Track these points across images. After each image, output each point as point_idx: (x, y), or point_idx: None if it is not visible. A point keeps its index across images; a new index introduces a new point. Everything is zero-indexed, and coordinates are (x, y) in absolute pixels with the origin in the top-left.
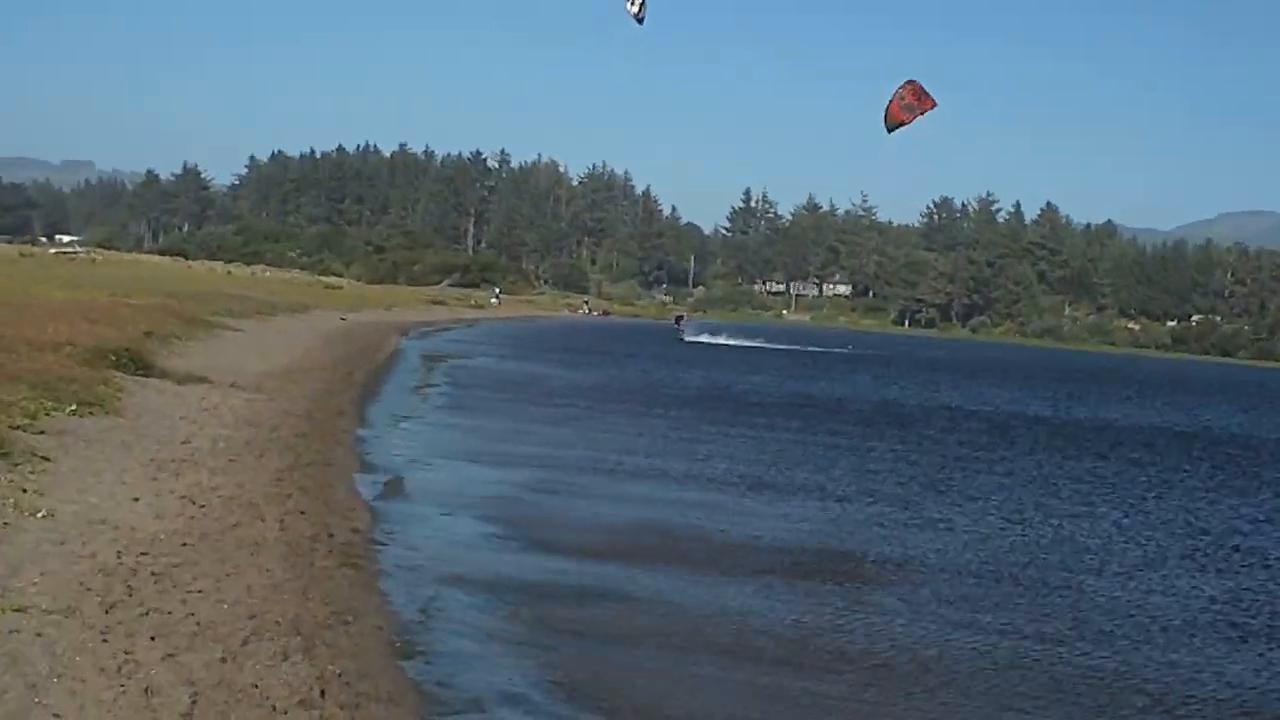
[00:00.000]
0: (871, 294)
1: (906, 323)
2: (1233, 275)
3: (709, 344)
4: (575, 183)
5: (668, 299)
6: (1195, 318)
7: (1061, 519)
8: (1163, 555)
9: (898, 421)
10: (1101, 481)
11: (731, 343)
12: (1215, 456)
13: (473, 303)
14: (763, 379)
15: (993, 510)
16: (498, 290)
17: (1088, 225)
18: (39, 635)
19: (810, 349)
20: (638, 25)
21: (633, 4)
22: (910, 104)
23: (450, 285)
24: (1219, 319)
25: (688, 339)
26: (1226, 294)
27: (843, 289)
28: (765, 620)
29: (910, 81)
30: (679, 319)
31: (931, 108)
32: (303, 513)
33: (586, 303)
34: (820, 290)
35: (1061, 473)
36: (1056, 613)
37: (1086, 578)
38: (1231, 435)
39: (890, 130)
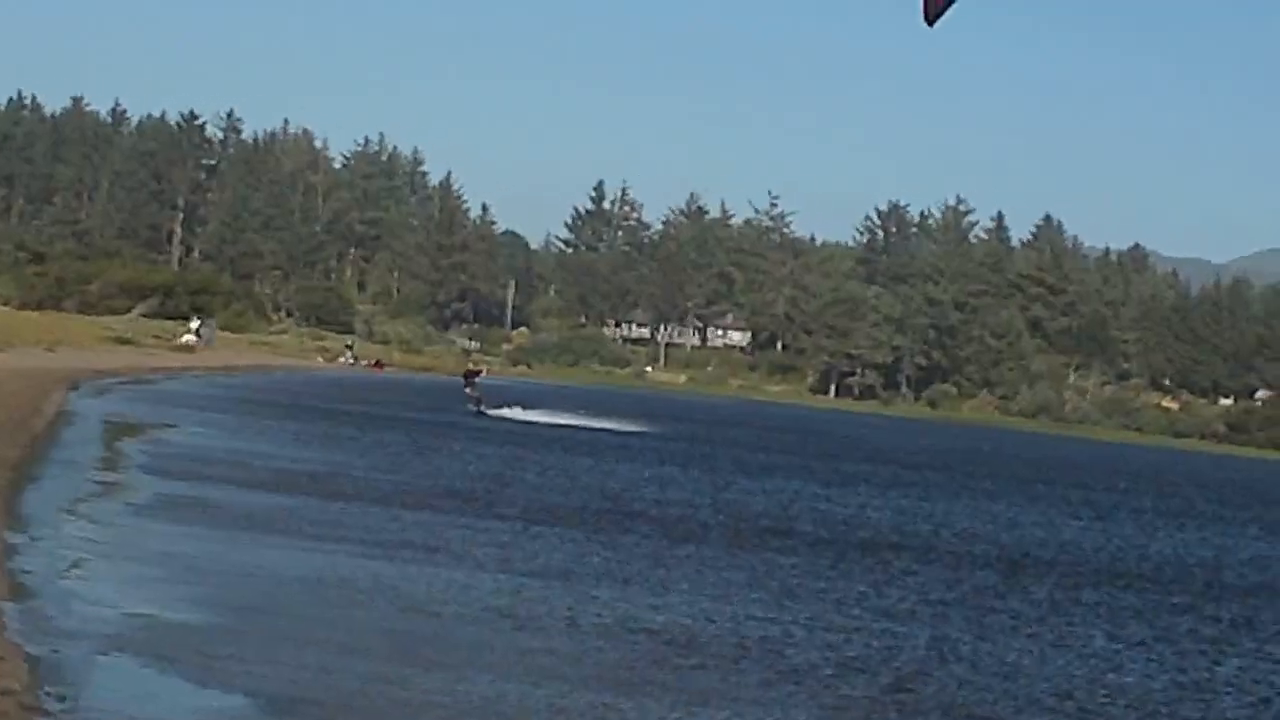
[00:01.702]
0: (781, 346)
1: (833, 391)
2: None
3: (522, 422)
4: (338, 164)
5: (473, 345)
6: (1262, 394)
7: None
8: None
9: None
10: None
11: (563, 421)
12: None
13: (179, 342)
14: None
15: None
16: (197, 325)
17: (1106, 252)
18: None
19: (680, 438)
20: None
21: None
22: None
23: (145, 315)
24: None
25: (488, 411)
26: None
27: (738, 336)
28: None
29: None
30: (470, 376)
31: None
32: None
33: (350, 347)
34: (704, 338)
35: None
36: None
37: None
38: None
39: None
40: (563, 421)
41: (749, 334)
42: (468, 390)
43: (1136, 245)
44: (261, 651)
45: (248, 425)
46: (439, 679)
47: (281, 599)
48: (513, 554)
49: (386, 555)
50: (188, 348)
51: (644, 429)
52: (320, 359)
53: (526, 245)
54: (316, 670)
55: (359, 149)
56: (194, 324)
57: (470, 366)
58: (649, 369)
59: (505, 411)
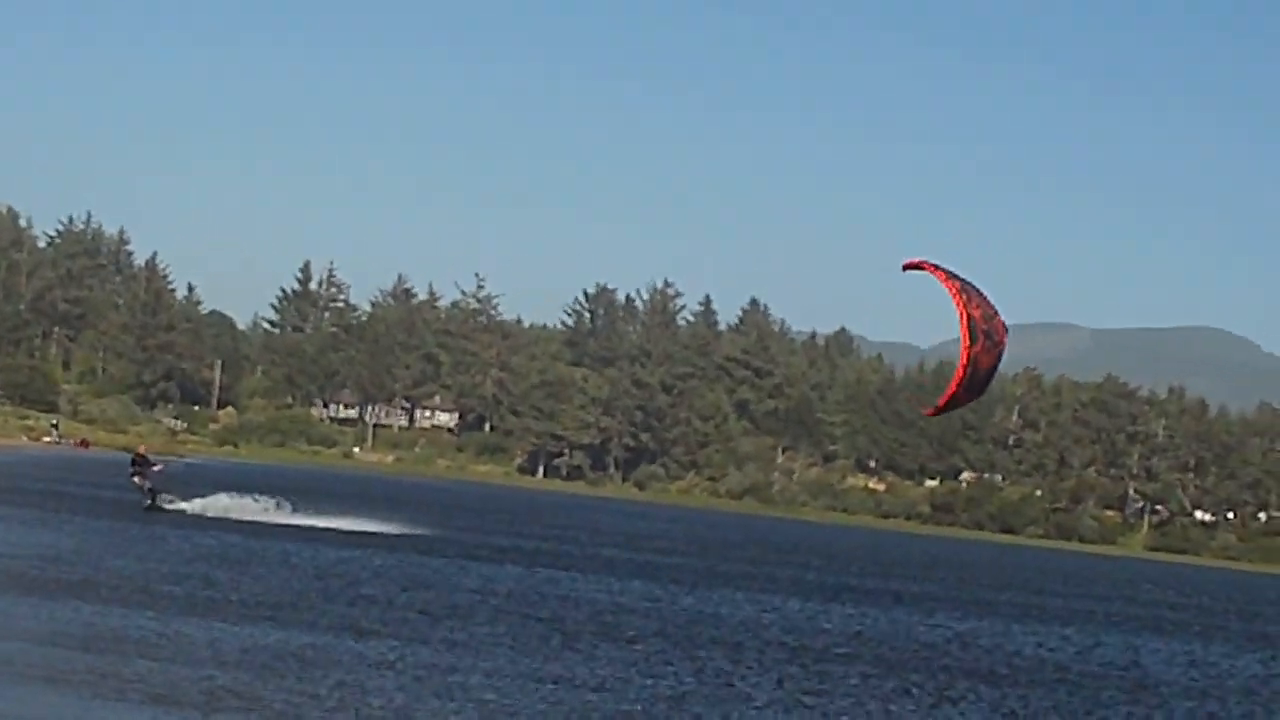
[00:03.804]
0: (489, 427)
1: (541, 471)
2: (1020, 416)
3: (211, 518)
4: (43, 243)
5: (179, 425)
6: (966, 475)
7: None
8: None
9: None
10: None
11: (283, 521)
12: None
13: None
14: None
15: None
16: None
17: (813, 335)
18: None
19: (375, 526)
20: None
21: None
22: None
23: None
24: (1000, 478)
25: (166, 505)
26: (1011, 442)
27: (445, 417)
28: None
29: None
30: (140, 462)
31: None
32: None
33: (55, 426)
34: (412, 418)
35: None
36: None
37: None
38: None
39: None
40: (282, 521)
41: (457, 415)
42: (136, 479)
43: (842, 329)
44: None
45: None
46: None
47: None
48: None
49: None
50: None
51: (393, 529)
52: (25, 438)
53: (233, 325)
54: None
55: (64, 227)
56: None
57: (140, 451)
58: (357, 449)
59: (197, 504)
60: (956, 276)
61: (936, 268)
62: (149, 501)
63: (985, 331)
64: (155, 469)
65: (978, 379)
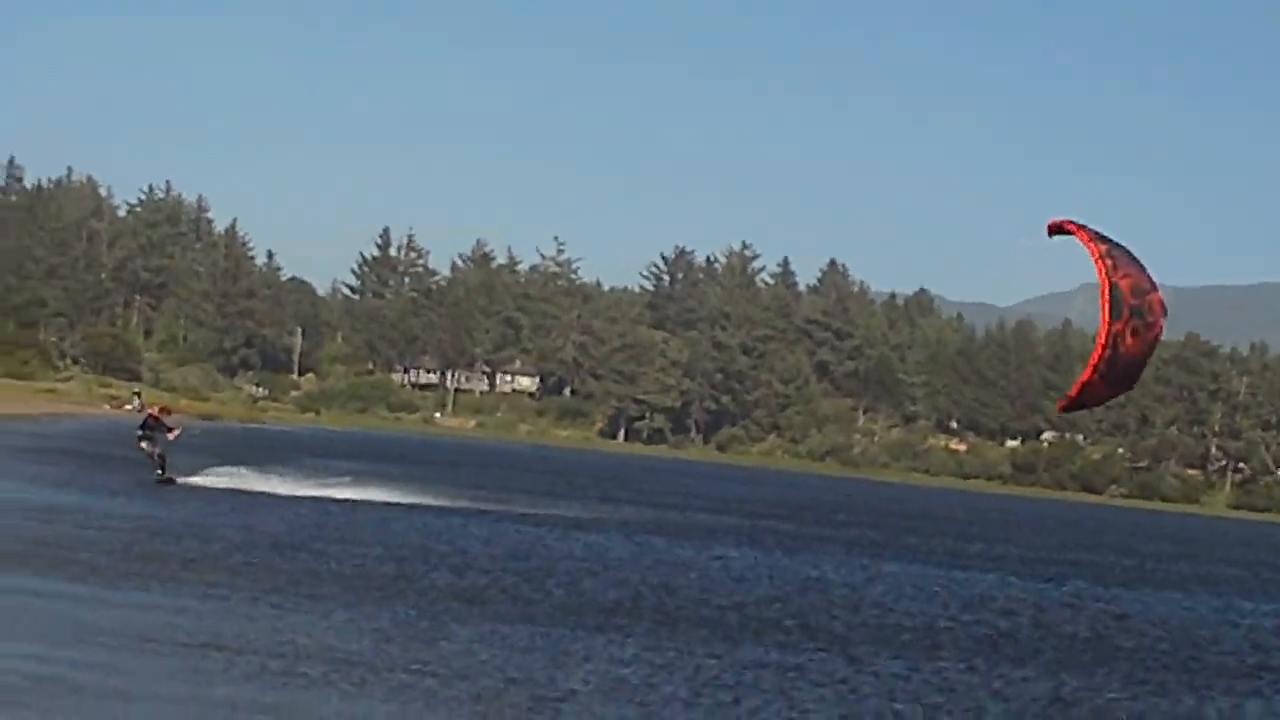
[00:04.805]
0: (570, 391)
1: (622, 434)
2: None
3: (253, 494)
4: (123, 212)
5: (260, 392)
6: (1047, 435)
7: None
8: None
9: None
10: None
11: (322, 492)
12: None
13: None
14: None
15: None
16: None
17: (892, 296)
18: None
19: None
20: None
21: None
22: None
23: None
24: (1081, 438)
25: (189, 479)
26: None
27: (526, 382)
28: None
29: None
30: (151, 426)
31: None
32: None
33: (138, 395)
34: (492, 384)
35: None
36: None
37: None
38: None
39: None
40: (327, 492)
41: (537, 379)
42: (144, 445)
43: (922, 289)
44: None
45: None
46: None
47: None
48: None
49: None
50: None
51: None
52: (108, 407)
53: (313, 292)
54: None
55: (144, 196)
56: None
57: (154, 411)
58: (437, 415)
59: (217, 477)
60: (1105, 239)
61: (1081, 228)
62: (160, 472)
63: (1133, 308)
64: (170, 434)
65: (1118, 365)
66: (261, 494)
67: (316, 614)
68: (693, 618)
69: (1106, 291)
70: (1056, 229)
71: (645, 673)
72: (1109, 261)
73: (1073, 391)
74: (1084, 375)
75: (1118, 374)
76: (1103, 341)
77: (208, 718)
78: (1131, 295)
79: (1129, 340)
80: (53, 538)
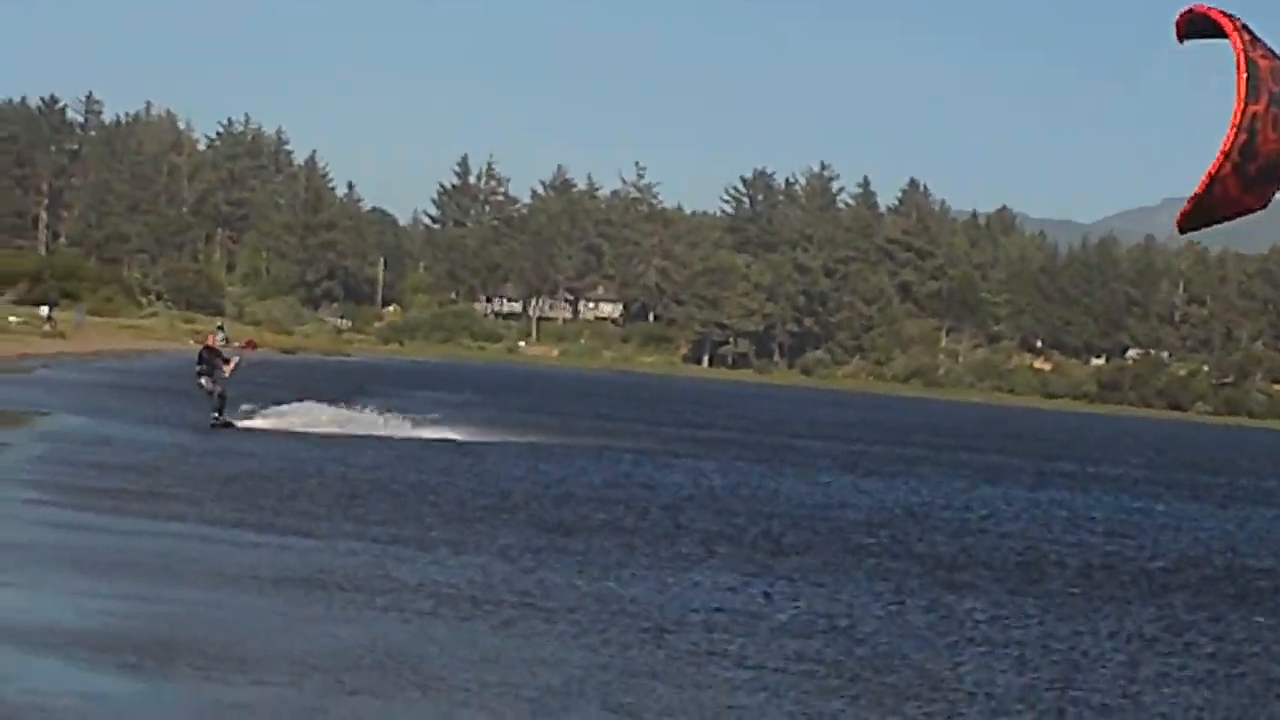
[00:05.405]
0: (653, 317)
1: (706, 360)
2: (1186, 291)
3: (321, 435)
4: (202, 145)
5: (344, 324)
6: (1132, 353)
7: None
8: None
9: None
10: None
11: (409, 432)
12: None
13: (48, 328)
14: None
15: None
16: (47, 311)
17: (974, 215)
18: None
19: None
20: None
21: None
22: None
23: (12, 301)
24: (1166, 355)
25: (252, 423)
26: (1177, 319)
27: (609, 308)
28: None
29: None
30: (207, 359)
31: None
32: None
33: (221, 329)
34: (576, 311)
35: None
36: None
37: None
38: None
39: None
40: (421, 431)
41: (620, 305)
42: (203, 382)
43: (1003, 207)
44: None
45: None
46: None
47: None
48: None
49: None
50: (59, 334)
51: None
52: (192, 341)
53: (395, 222)
54: None
55: (223, 129)
56: (43, 310)
57: (210, 342)
58: (522, 343)
59: (290, 417)
60: (1243, 25)
61: (1210, 8)
62: (216, 415)
63: (1274, 95)
64: (226, 367)
65: (1257, 157)
66: (353, 436)
67: (418, 549)
68: (797, 545)
69: (1243, 64)
70: (1184, 22)
71: (754, 602)
72: (1246, 36)
73: (1199, 188)
74: (1212, 166)
75: (1257, 167)
76: (1236, 122)
77: (319, 647)
78: (1273, 78)
79: (1269, 134)
80: (149, 479)
